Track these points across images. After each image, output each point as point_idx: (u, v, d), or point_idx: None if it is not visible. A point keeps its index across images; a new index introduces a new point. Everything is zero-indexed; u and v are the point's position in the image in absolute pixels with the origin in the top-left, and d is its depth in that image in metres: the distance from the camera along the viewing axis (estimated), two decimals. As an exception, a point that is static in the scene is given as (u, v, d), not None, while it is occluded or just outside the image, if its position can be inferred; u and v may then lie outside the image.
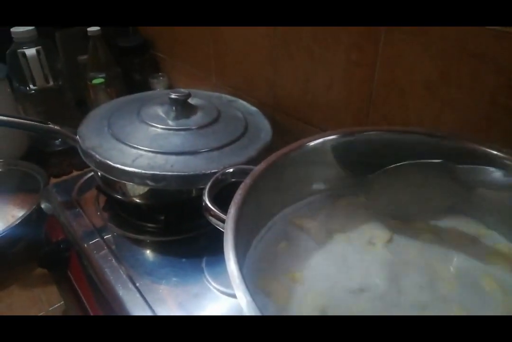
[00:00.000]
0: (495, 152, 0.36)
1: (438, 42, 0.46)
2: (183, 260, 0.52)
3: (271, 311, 0.32)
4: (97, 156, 0.53)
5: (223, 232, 0.31)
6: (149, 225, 0.57)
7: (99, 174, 0.58)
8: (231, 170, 0.38)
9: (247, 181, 0.35)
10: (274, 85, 0.70)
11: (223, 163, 0.51)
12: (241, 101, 0.67)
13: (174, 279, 0.50)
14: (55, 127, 0.58)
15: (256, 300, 0.25)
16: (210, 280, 0.49)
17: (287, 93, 0.68)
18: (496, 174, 0.33)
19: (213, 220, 0.35)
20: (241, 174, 0.38)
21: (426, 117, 0.51)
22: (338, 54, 0.57)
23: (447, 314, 0.32)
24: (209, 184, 0.37)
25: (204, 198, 0.36)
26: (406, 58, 0.50)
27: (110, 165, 0.51)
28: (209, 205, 0.35)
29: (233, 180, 0.39)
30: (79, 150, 0.56)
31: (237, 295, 0.26)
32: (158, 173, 0.50)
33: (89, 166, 0.55)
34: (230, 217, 0.31)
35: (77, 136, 0.57)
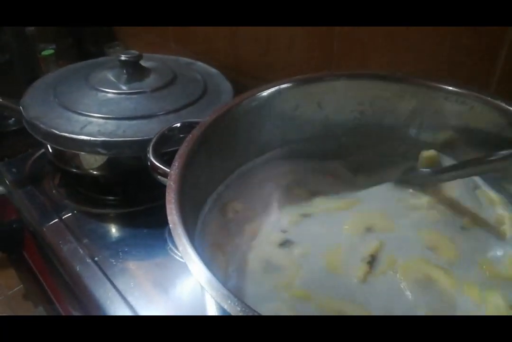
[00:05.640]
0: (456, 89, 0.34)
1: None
2: (145, 231, 0.50)
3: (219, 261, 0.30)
4: (41, 126, 0.48)
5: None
6: (108, 197, 0.54)
7: (48, 147, 0.54)
8: (178, 124, 0.35)
9: (194, 132, 0.31)
10: (235, 47, 0.66)
11: (180, 126, 0.47)
12: (200, 63, 0.63)
13: (136, 250, 0.47)
14: (-6, 98, 0.53)
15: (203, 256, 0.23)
16: (174, 249, 0.46)
17: (249, 55, 0.64)
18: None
19: (162, 179, 0.32)
20: (190, 128, 0.34)
21: (389, 67, 0.48)
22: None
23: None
24: (153, 140, 0.33)
25: (148, 156, 0.32)
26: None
27: (56, 134, 0.47)
28: (155, 162, 0.32)
29: (181, 135, 0.35)
30: (24, 122, 0.52)
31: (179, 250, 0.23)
32: (109, 139, 0.46)
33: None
34: (174, 168, 0.28)
35: (20, 107, 0.52)
